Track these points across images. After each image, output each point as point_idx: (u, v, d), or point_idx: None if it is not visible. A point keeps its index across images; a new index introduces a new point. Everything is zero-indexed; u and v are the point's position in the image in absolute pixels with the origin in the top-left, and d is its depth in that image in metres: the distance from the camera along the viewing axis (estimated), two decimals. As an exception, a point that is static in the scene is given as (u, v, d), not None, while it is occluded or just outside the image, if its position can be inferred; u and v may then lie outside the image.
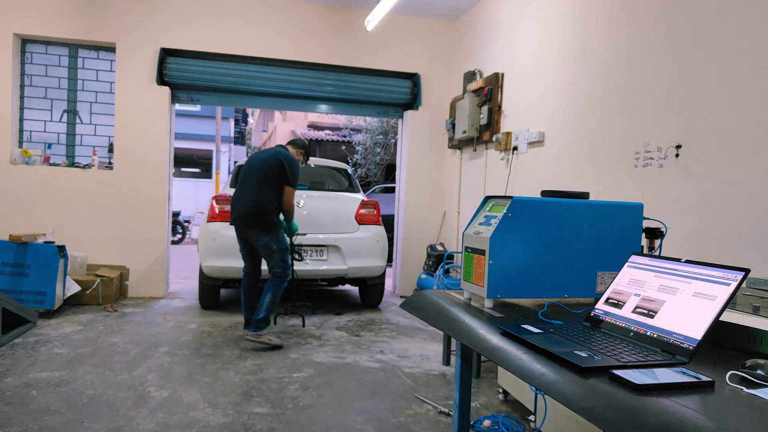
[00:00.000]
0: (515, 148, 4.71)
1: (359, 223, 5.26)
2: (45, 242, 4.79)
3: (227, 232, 4.90)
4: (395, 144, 10.45)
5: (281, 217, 4.14)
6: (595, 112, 3.71)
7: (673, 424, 0.84)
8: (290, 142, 4.35)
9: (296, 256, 4.68)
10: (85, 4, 5.50)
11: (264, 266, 4.21)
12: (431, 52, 6.42)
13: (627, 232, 1.73)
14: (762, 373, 1.02)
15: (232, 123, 23.41)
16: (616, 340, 1.24)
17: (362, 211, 5.32)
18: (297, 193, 5.08)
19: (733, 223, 2.60)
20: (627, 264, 1.46)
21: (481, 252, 1.60)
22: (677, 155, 2.95)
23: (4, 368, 3.35)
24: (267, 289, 4.04)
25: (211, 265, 4.88)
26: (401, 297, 6.44)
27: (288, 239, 4.21)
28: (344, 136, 15.30)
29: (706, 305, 1.17)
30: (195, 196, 16.97)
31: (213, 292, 5.26)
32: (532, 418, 2.70)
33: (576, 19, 3.97)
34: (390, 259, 6.51)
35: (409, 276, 6.48)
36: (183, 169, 22.21)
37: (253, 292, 4.20)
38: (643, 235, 1.83)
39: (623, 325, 1.32)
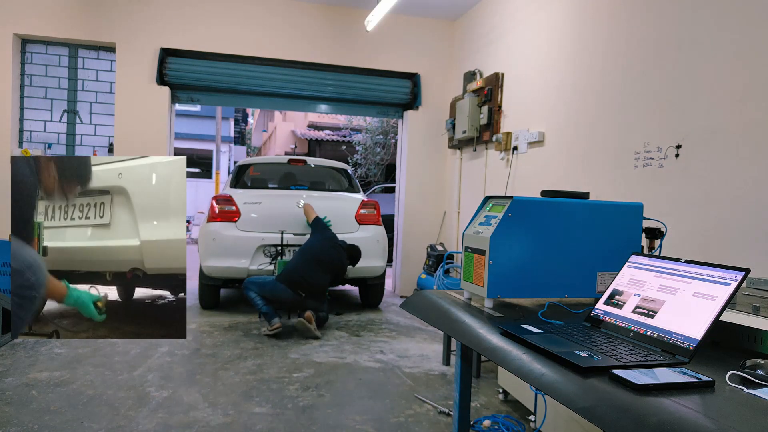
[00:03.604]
0: (515, 148, 4.71)
1: (359, 224, 5.26)
2: (45, 242, 4.78)
3: (227, 232, 4.91)
4: (395, 144, 10.44)
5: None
6: (595, 112, 3.71)
7: (673, 424, 0.84)
8: (350, 246, 4.82)
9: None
10: (85, 4, 5.50)
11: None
12: (431, 52, 6.41)
13: (627, 232, 1.73)
14: (762, 373, 1.02)
15: (232, 123, 23.41)
16: (616, 340, 1.24)
17: (362, 211, 5.31)
18: (296, 193, 5.25)
19: (733, 223, 2.60)
20: (627, 264, 1.46)
21: (481, 252, 1.60)
22: (677, 155, 2.95)
23: (4, 368, 3.35)
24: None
25: (211, 265, 4.88)
26: (401, 297, 6.43)
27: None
28: (344, 136, 15.31)
29: (706, 305, 1.17)
30: (195, 196, 16.95)
31: (213, 292, 5.25)
32: (532, 418, 2.70)
33: (576, 19, 3.98)
34: (390, 259, 6.51)
35: (409, 276, 6.48)
36: (183, 169, 22.16)
37: None
38: (643, 235, 1.83)
39: (623, 325, 1.32)
